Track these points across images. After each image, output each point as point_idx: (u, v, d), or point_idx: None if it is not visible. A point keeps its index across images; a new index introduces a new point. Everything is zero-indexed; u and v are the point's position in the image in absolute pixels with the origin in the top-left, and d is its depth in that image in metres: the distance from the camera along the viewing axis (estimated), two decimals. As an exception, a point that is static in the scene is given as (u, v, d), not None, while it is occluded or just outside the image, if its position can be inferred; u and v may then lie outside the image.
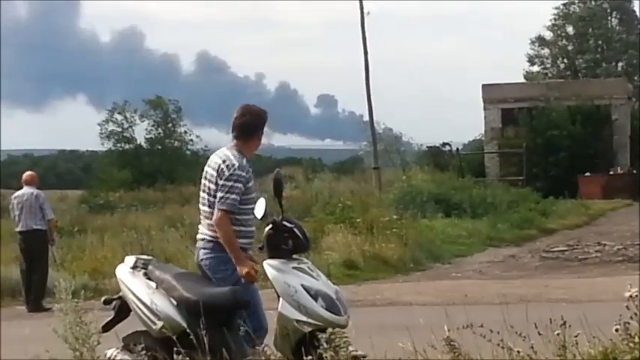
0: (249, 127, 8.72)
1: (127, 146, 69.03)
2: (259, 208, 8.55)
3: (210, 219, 8.45)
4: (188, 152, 70.49)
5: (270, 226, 8.33)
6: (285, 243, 8.24)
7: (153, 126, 69.27)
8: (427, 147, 61.59)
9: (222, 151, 8.64)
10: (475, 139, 65.60)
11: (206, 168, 8.66)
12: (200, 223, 8.74)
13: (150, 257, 8.93)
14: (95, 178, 67.70)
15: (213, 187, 8.46)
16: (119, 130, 69.01)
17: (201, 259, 8.61)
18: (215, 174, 8.44)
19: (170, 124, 69.64)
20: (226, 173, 8.38)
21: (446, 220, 30.31)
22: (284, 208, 8.61)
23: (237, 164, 8.41)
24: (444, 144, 60.76)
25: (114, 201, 49.03)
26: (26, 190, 17.67)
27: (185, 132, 70.30)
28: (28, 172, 18.37)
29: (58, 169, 74.45)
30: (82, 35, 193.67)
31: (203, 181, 8.65)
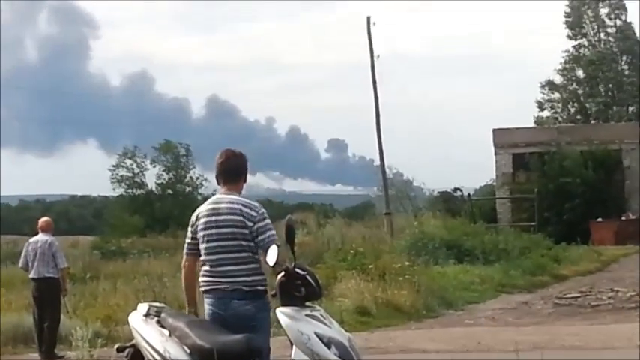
0: (237, 169, 8.80)
1: (138, 191, 69.32)
2: (271, 256, 8.56)
3: (253, 263, 8.48)
4: (199, 197, 70.65)
5: (283, 273, 8.35)
6: (298, 290, 8.25)
7: (164, 171, 69.61)
8: (439, 192, 62.26)
9: (227, 198, 8.65)
10: (486, 184, 66.02)
11: (224, 217, 8.59)
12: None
13: (163, 304, 8.93)
14: (107, 223, 67.93)
15: (245, 231, 8.46)
16: (130, 175, 69.34)
17: (245, 308, 8.52)
18: (241, 218, 8.46)
19: (181, 169, 69.93)
20: (257, 214, 8.49)
21: (458, 267, 30.18)
22: (296, 254, 8.63)
23: (256, 204, 8.53)
24: (455, 189, 62.21)
25: (126, 247, 49.10)
26: (41, 236, 17.58)
27: (196, 177, 70.67)
28: (44, 219, 18.26)
29: (69, 215, 74.65)
30: (92, 79, 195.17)
31: (223, 230, 8.56)
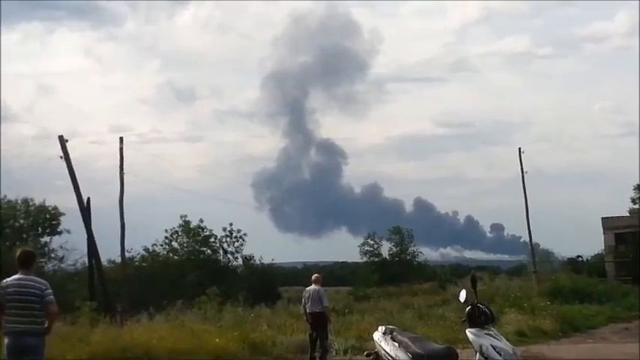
0: None
1: (376, 259, 69.56)
2: (462, 295, 8.58)
3: None
4: (415, 263, 70.33)
5: (470, 306, 8.33)
6: (480, 318, 8.22)
7: (393, 245, 69.68)
8: (567, 258, 63.36)
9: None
10: (598, 253, 66.66)
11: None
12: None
13: (394, 327, 9.02)
14: (357, 279, 68.32)
15: None
16: (372, 249, 69.78)
17: None
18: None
19: (405, 245, 69.88)
20: None
21: (581, 305, 30.30)
22: (478, 296, 8.61)
23: None
24: (578, 256, 65.79)
25: (369, 293, 49.29)
26: (313, 286, 17.52)
27: (414, 250, 70.50)
28: (316, 275, 18.13)
29: (334, 274, 75.47)
30: (342, 189, 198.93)
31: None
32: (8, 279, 8.42)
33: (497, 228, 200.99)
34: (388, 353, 8.40)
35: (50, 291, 8.25)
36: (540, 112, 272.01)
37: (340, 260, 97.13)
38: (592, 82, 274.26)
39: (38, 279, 8.36)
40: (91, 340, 16.43)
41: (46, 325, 8.28)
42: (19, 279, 8.34)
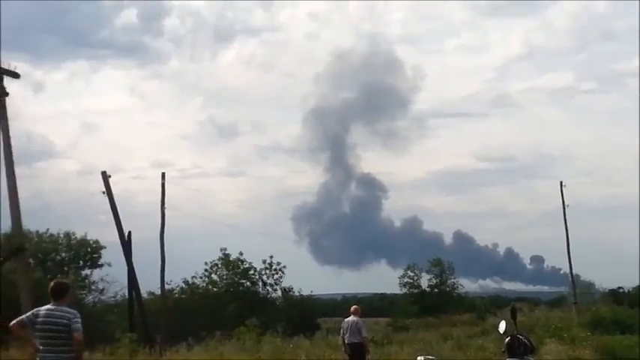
0: None
1: (416, 290, 69.05)
2: (502, 326, 8.49)
3: None
4: (454, 294, 69.70)
5: (510, 337, 8.24)
6: (520, 348, 8.13)
7: (433, 276, 69.17)
8: (608, 289, 63.00)
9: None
10: (639, 285, 65.36)
11: None
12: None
13: (433, 357, 8.97)
14: (397, 310, 67.88)
15: None
16: (411, 281, 69.33)
17: None
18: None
19: (444, 276, 69.34)
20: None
21: (622, 336, 30.20)
22: (517, 327, 8.51)
23: None
24: (619, 287, 65.93)
25: (408, 324, 48.94)
26: (352, 318, 17.59)
27: (453, 282, 69.90)
28: (355, 306, 18.26)
29: (373, 305, 75.15)
30: (383, 222, 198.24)
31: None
32: (41, 308, 8.54)
33: (537, 260, 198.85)
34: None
35: (78, 319, 8.31)
36: (582, 146, 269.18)
37: (379, 292, 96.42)
38: (635, 117, 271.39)
39: (68, 309, 8.42)
40: (131, 371, 16.51)
41: (74, 354, 8.32)
42: (49, 309, 8.44)
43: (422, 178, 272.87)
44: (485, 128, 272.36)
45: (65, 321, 8.28)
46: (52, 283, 8.72)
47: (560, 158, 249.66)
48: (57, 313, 8.36)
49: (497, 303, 72.71)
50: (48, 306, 8.51)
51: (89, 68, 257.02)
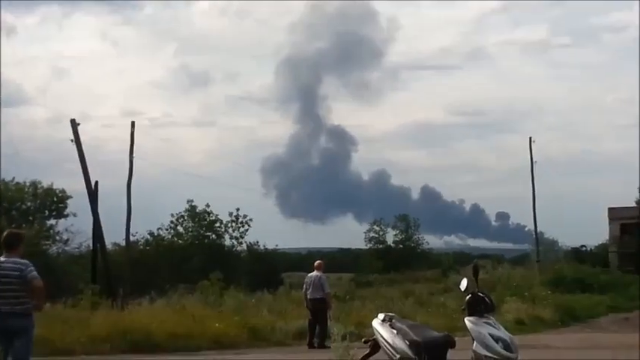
0: None
1: (381, 246, 69.55)
2: (463, 284, 8.44)
3: None
4: (419, 250, 70.33)
5: (470, 295, 8.19)
6: (480, 306, 8.09)
7: (399, 232, 69.67)
8: (571, 248, 63.21)
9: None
10: (602, 243, 66.69)
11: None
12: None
13: (393, 314, 8.90)
14: (361, 265, 68.38)
15: None
16: (376, 236, 69.75)
17: None
18: None
19: (410, 232, 69.87)
20: None
21: (582, 295, 30.70)
22: (479, 284, 8.47)
23: None
24: (582, 246, 66.60)
25: (372, 280, 49.31)
26: (315, 273, 17.60)
27: (418, 238, 70.50)
28: (318, 261, 18.22)
29: (336, 260, 75.40)
30: (350, 175, 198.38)
31: None
32: None
33: (502, 217, 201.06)
34: (386, 340, 8.33)
35: (32, 269, 8.04)
36: (554, 101, 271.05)
37: (345, 247, 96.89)
38: (608, 72, 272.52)
39: (20, 260, 8.14)
40: (91, 323, 16.38)
41: (32, 304, 8.10)
42: (0, 262, 8.17)
43: (393, 131, 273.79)
44: (459, 82, 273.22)
45: (17, 273, 8.02)
46: (4, 233, 8.43)
47: (531, 113, 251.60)
48: (8, 265, 8.09)
49: (461, 260, 73.56)
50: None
51: (61, 13, 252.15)
